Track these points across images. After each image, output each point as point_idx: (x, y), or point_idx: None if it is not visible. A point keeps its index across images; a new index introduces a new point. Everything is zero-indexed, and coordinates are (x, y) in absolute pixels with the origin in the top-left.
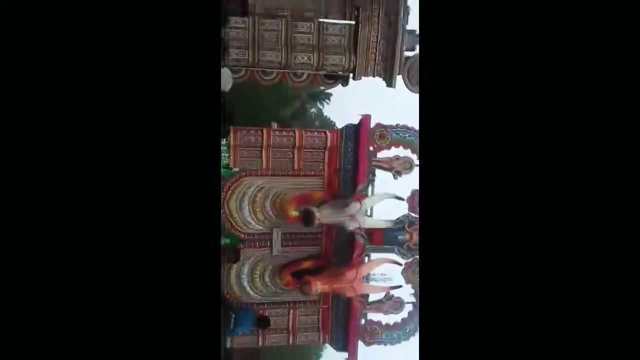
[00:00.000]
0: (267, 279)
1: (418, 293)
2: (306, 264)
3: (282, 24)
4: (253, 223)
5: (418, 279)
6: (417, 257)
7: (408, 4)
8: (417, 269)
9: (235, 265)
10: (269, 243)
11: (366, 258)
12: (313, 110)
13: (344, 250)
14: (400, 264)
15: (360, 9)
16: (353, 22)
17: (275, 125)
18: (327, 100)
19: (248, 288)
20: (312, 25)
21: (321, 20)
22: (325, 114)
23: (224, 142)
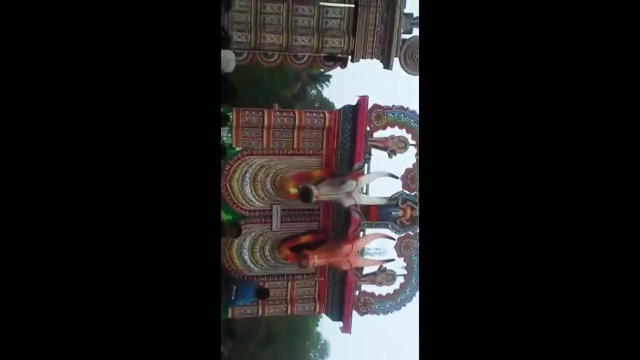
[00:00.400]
0: (267, 253)
1: (414, 267)
2: (304, 239)
3: (283, 7)
4: (254, 200)
5: (410, 253)
6: (410, 232)
7: None
8: (409, 243)
9: (236, 240)
10: (269, 219)
11: (361, 233)
12: (313, 91)
13: (340, 225)
14: (393, 239)
15: None
16: (352, 6)
17: (276, 106)
18: (327, 82)
19: (249, 262)
20: (312, 9)
21: (321, 3)
22: (325, 95)
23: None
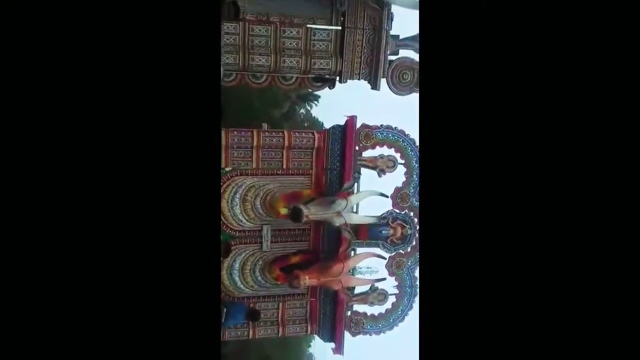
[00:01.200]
0: (257, 274)
1: (406, 286)
2: (295, 259)
3: (271, 30)
4: (244, 220)
5: (402, 272)
6: (401, 250)
7: (391, 10)
8: (401, 261)
9: (226, 261)
10: (259, 239)
11: (352, 252)
12: (302, 111)
13: (331, 245)
14: (384, 258)
15: (346, 15)
16: (339, 28)
17: (265, 126)
18: (316, 102)
19: (239, 282)
20: (300, 31)
21: (309, 26)
22: (313, 114)
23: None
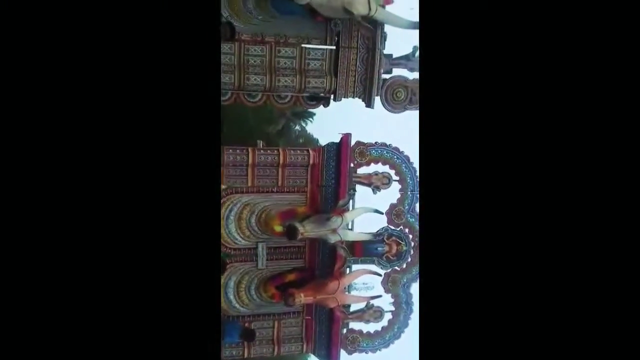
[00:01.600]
0: (252, 292)
1: (402, 303)
2: (290, 277)
3: (266, 50)
4: (239, 238)
5: (397, 289)
6: (396, 267)
7: (385, 30)
8: (396, 278)
9: (221, 279)
10: (254, 257)
11: (348, 269)
12: (297, 127)
13: (326, 262)
14: (380, 275)
15: (340, 35)
16: (333, 47)
17: (260, 144)
18: (311, 119)
19: (234, 301)
20: (295, 50)
21: (303, 45)
22: (309, 131)
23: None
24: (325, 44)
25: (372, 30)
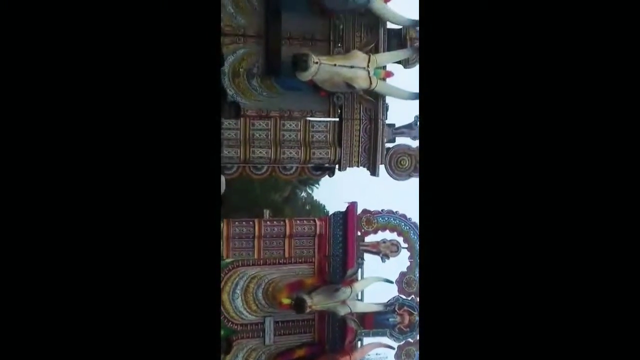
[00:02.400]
0: None
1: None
2: (299, 352)
3: (271, 124)
4: (246, 313)
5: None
6: (410, 339)
7: (386, 101)
8: (410, 350)
9: (227, 358)
10: (261, 333)
11: (359, 343)
12: (304, 194)
13: (336, 336)
14: (392, 348)
15: (343, 108)
16: (337, 119)
17: (267, 214)
18: (317, 185)
19: None
20: (299, 124)
21: (307, 118)
22: (315, 197)
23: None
24: (329, 116)
25: (374, 102)
